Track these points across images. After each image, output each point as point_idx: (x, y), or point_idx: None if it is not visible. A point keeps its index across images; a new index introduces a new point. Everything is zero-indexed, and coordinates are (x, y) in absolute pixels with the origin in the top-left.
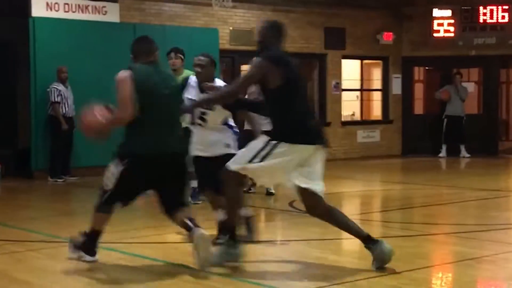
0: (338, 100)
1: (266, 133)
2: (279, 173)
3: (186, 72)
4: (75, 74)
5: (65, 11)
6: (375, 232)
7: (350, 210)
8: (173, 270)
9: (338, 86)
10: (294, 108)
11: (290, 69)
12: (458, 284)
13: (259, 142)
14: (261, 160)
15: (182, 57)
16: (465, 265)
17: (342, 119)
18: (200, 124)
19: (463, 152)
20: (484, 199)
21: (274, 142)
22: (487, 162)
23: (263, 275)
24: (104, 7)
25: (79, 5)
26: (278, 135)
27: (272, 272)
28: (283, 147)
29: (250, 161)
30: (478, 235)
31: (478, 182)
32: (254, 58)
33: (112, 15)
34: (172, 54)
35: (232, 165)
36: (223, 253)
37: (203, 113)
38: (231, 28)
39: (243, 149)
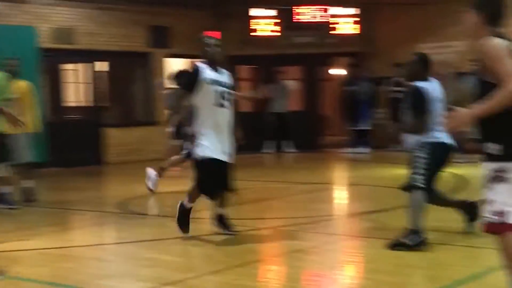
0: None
1: None
2: None
3: None
4: None
5: None
6: (205, 229)
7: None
8: None
9: (161, 84)
10: None
11: None
12: (286, 276)
13: None
14: None
15: None
16: (292, 257)
17: None
18: None
19: (288, 148)
20: (309, 193)
21: None
22: (310, 156)
23: (94, 277)
24: None
25: None
26: None
27: (104, 274)
28: None
29: None
30: (305, 227)
31: (303, 176)
32: None
33: None
34: None
35: None
36: None
37: None
38: (51, 26)
39: None
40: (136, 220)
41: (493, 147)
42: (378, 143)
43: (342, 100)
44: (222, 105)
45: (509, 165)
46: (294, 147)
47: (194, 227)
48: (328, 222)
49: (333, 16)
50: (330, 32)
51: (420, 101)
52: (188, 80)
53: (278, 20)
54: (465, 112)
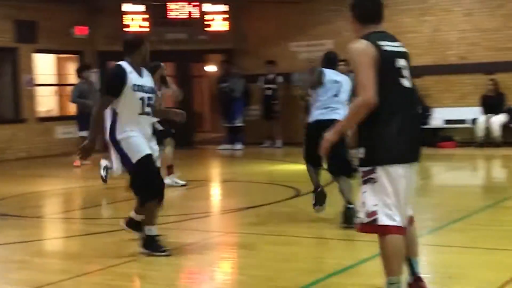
0: (32, 96)
1: None
2: None
3: None
4: None
5: None
6: (78, 229)
7: (52, 209)
8: None
9: (31, 81)
10: None
11: None
12: (163, 275)
13: None
14: None
15: None
16: (168, 256)
17: (39, 115)
18: None
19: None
20: (183, 190)
21: None
22: (184, 153)
23: None
24: None
25: None
26: None
27: None
28: None
29: None
30: (178, 225)
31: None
32: None
33: None
34: None
35: None
36: None
37: None
38: None
39: None
40: (3, 222)
41: (360, 152)
42: (252, 139)
43: (216, 97)
44: (146, 113)
45: (373, 168)
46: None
47: (67, 227)
48: (203, 219)
49: (205, 13)
50: (203, 28)
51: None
52: (113, 84)
53: (151, 16)
54: (328, 135)
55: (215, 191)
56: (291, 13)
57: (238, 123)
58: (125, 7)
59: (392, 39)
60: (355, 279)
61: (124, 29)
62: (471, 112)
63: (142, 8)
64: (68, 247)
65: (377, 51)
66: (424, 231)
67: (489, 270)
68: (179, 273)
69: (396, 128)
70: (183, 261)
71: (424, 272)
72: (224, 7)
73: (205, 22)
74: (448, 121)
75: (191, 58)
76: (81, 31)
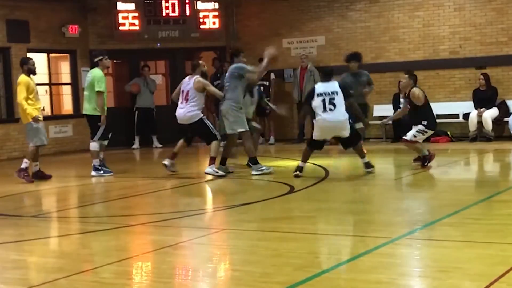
0: None
1: None
2: None
3: None
4: None
5: None
6: (73, 228)
7: (47, 208)
8: None
9: None
10: None
11: None
12: (158, 272)
13: None
14: None
15: None
16: (163, 253)
17: None
18: None
19: (155, 143)
20: (177, 187)
21: None
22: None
23: None
24: None
25: None
26: None
27: None
28: None
29: None
30: (174, 222)
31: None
32: None
33: None
34: None
35: None
36: None
37: None
38: None
39: None
40: None
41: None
42: None
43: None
44: None
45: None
46: (160, 142)
47: (62, 226)
48: (197, 216)
49: (197, 10)
50: (195, 26)
51: None
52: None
53: (144, 14)
54: None
55: (210, 188)
56: (282, 10)
57: None
58: (119, 5)
59: None
60: (351, 275)
61: (118, 27)
62: (463, 107)
63: (136, 6)
64: (64, 246)
65: None
66: (418, 225)
67: (483, 264)
68: (175, 269)
69: None
70: (179, 258)
71: (417, 266)
72: (214, 5)
73: (198, 20)
74: (440, 116)
75: (184, 56)
76: (71, 30)
